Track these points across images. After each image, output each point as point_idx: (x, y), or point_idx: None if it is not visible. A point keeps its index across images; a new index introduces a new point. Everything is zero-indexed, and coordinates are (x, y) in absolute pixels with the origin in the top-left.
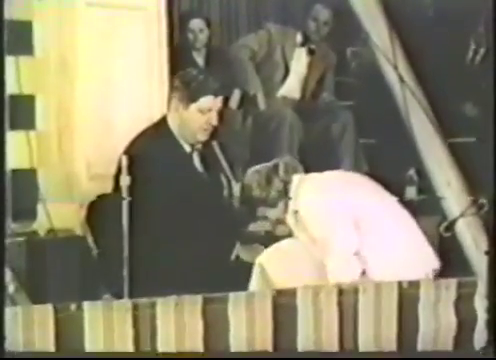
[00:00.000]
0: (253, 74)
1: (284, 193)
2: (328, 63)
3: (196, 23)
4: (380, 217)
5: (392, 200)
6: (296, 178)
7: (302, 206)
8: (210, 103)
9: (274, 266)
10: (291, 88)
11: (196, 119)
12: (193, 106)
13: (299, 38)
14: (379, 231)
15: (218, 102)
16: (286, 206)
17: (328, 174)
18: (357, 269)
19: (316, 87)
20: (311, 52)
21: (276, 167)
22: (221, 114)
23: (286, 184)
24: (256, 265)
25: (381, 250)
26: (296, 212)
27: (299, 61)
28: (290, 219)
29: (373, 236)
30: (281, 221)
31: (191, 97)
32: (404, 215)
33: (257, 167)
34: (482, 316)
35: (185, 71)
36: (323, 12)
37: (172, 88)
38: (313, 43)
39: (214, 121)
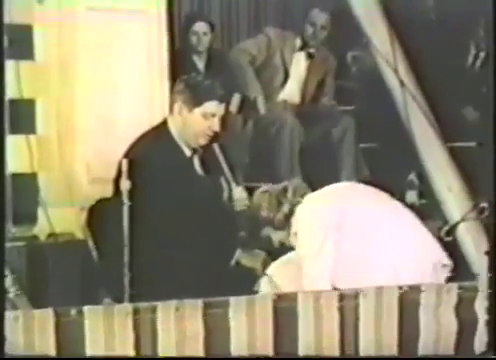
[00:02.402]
0: (253, 78)
1: (290, 216)
2: (328, 67)
3: (200, 26)
4: (384, 221)
5: (394, 203)
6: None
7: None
8: (214, 108)
9: (283, 278)
10: (291, 92)
11: (199, 123)
12: (197, 110)
13: (298, 42)
14: (385, 234)
15: (222, 108)
16: (290, 229)
17: (325, 189)
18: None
19: (316, 91)
20: (310, 56)
21: (285, 190)
22: (223, 120)
23: (293, 207)
24: (265, 276)
25: (390, 254)
26: (295, 234)
27: (298, 65)
28: (292, 240)
29: (378, 240)
30: (283, 244)
31: (196, 101)
32: (408, 216)
33: (266, 187)
34: (483, 320)
35: (190, 75)
36: (320, 16)
37: (176, 91)
38: (312, 47)
39: (216, 127)
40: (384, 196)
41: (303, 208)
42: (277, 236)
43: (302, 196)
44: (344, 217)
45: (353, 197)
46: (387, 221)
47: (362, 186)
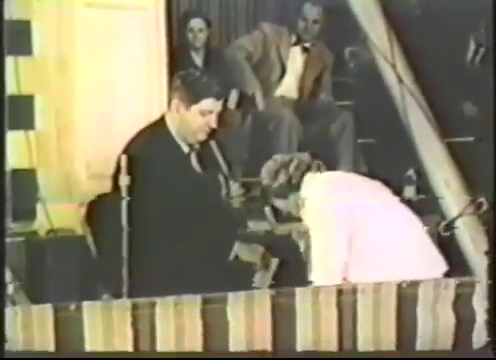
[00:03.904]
0: (250, 74)
1: (288, 187)
2: (325, 62)
3: (196, 22)
4: (386, 219)
5: (398, 203)
6: (308, 176)
7: (307, 205)
8: (211, 106)
9: None
10: (288, 87)
11: (196, 120)
12: (194, 107)
13: (293, 37)
14: (383, 233)
15: (219, 105)
16: (296, 201)
17: (335, 174)
18: (338, 279)
19: (313, 86)
20: (305, 50)
21: (290, 161)
22: (221, 116)
23: (291, 179)
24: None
25: (385, 252)
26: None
27: (295, 60)
28: (296, 212)
29: (377, 238)
30: (290, 214)
31: (193, 98)
32: (410, 218)
33: (277, 156)
34: (481, 316)
35: (187, 71)
36: (312, 10)
37: (173, 88)
38: (306, 42)
39: (213, 123)
40: (385, 191)
41: (312, 200)
42: (280, 205)
43: (304, 172)
44: (352, 210)
45: (359, 189)
46: (385, 216)
47: (365, 179)
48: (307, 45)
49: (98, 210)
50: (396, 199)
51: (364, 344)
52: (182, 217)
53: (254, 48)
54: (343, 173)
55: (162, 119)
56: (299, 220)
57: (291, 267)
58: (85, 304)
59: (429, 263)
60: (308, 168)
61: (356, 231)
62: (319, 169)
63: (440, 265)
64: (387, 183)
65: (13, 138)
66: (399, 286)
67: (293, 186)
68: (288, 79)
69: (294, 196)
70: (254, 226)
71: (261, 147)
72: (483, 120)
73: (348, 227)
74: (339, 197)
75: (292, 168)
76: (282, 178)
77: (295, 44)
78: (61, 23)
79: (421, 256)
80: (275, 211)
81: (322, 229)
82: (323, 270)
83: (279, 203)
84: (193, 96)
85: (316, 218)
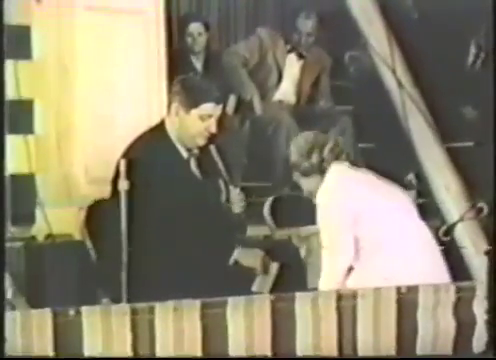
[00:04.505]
0: (247, 80)
1: (318, 169)
2: (322, 65)
3: (195, 27)
4: (394, 223)
5: (410, 208)
6: (335, 164)
7: (318, 197)
8: (211, 110)
9: None
10: (286, 92)
11: (196, 125)
12: (194, 112)
13: (288, 47)
14: (391, 237)
15: (218, 109)
16: (318, 184)
17: (353, 176)
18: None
19: (312, 90)
20: (301, 56)
21: (325, 142)
22: (220, 121)
23: (323, 161)
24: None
25: (391, 257)
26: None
27: (291, 65)
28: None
29: (384, 241)
30: (312, 194)
31: (192, 103)
32: (420, 225)
33: (308, 134)
34: (481, 320)
35: (187, 76)
36: (306, 23)
37: (172, 92)
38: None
39: (213, 128)
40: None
41: (322, 200)
42: (305, 183)
43: (337, 156)
44: (360, 213)
45: (369, 191)
46: (394, 220)
47: (382, 181)
48: (303, 52)
49: (97, 214)
50: (408, 204)
51: (364, 349)
52: (182, 222)
53: (250, 53)
54: (364, 172)
55: (162, 123)
56: (299, 225)
57: (291, 272)
58: (84, 309)
59: (433, 272)
60: (340, 153)
61: (363, 234)
62: (348, 158)
63: (443, 275)
64: None
65: (12, 142)
66: (399, 291)
67: (322, 168)
68: (285, 84)
69: (319, 179)
70: (254, 231)
71: (260, 152)
72: (483, 124)
73: (355, 229)
74: (349, 198)
75: (327, 150)
76: (315, 158)
77: (291, 50)
78: (61, 27)
79: (426, 263)
80: (274, 215)
81: (329, 229)
82: (328, 270)
83: (303, 181)
84: (193, 100)
85: (324, 217)
